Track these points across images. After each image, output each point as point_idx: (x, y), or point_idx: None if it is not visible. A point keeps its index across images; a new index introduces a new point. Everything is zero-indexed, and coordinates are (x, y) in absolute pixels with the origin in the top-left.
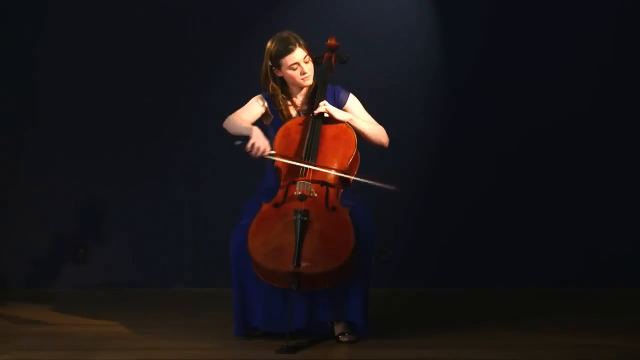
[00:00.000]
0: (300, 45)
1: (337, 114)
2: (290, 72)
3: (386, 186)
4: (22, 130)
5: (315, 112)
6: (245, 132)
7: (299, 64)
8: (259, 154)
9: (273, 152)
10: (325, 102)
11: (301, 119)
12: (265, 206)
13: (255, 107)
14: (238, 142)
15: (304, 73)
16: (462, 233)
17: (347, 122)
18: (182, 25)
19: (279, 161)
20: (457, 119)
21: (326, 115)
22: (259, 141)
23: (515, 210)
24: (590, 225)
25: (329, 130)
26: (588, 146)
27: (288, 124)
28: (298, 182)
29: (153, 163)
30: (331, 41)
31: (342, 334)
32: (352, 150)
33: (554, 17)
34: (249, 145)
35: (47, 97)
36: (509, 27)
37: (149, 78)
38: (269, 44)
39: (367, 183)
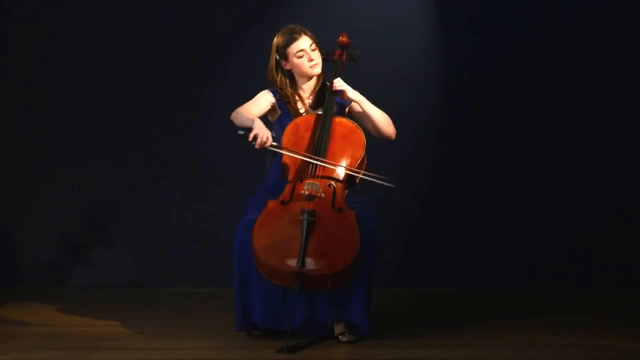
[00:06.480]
0: (305, 34)
1: (350, 92)
2: (297, 60)
3: (386, 184)
4: (25, 131)
5: (333, 88)
6: (248, 124)
7: (305, 51)
8: (261, 144)
9: (275, 143)
10: (339, 79)
11: (311, 116)
12: (272, 203)
13: (263, 101)
14: (241, 132)
15: (312, 60)
16: (462, 233)
17: (358, 103)
18: (185, 24)
19: (288, 157)
20: (457, 119)
21: (339, 90)
22: (261, 131)
23: (515, 210)
24: (590, 225)
25: (339, 129)
26: (589, 146)
27: (297, 120)
28: (306, 182)
29: (153, 163)
30: (343, 38)
31: (342, 334)
32: (361, 152)
33: (554, 15)
34: (250, 135)
35: (50, 99)
36: (510, 26)
37: (150, 78)
38: (275, 38)
39: (368, 179)
